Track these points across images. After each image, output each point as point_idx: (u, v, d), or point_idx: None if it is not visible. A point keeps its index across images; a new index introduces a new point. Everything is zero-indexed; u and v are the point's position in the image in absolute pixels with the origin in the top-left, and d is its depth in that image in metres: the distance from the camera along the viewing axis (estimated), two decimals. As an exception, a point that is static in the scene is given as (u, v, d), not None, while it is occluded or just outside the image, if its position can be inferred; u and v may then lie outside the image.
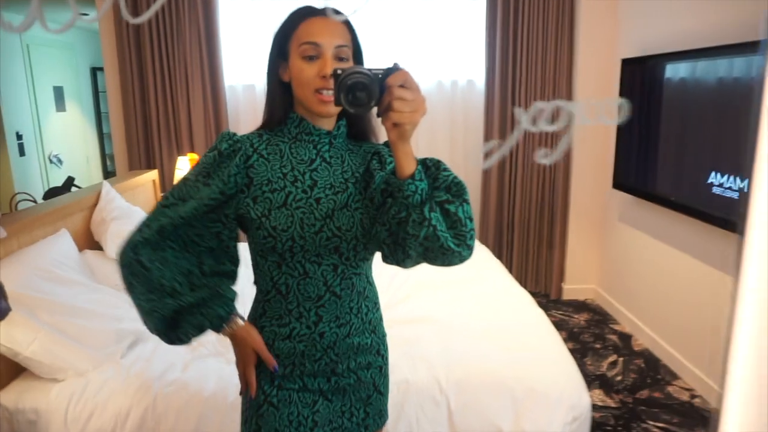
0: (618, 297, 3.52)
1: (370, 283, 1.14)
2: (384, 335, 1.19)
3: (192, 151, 3.62)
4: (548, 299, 3.86)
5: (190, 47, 3.50)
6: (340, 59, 1.01)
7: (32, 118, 5.17)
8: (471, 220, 0.93)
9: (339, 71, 0.89)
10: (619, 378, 2.80)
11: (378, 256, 1.06)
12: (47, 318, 1.88)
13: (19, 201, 4.18)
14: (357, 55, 1.06)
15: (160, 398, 1.77)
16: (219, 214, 1.04)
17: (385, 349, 1.19)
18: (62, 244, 2.21)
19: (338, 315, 1.07)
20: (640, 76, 3.03)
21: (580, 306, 3.74)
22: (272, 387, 1.09)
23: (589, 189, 3.70)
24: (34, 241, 2.15)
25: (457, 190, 0.93)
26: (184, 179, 1.06)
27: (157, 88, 3.54)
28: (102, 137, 6.57)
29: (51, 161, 5.43)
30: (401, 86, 0.85)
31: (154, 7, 0.70)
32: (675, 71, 2.73)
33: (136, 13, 3.35)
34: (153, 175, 3.46)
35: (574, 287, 3.85)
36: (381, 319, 1.18)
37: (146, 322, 1.07)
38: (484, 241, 3.76)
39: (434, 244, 0.91)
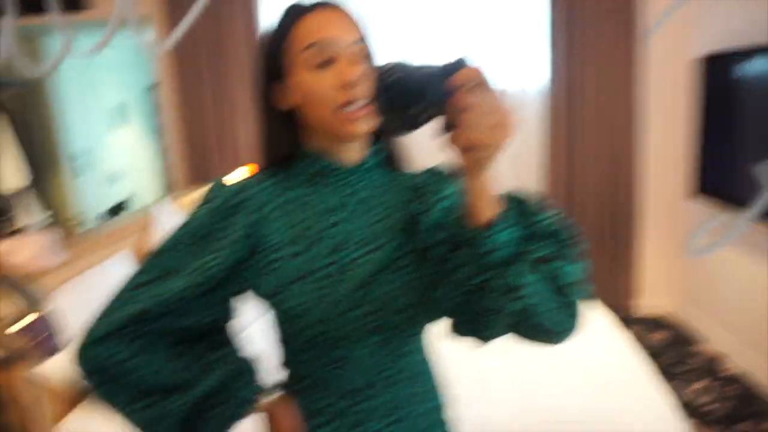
0: (703, 314, 3.21)
1: (429, 355, 0.87)
2: (449, 423, 0.91)
3: (251, 162, 3.59)
4: (624, 315, 3.58)
5: (241, 56, 3.47)
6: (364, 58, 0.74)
7: (89, 135, 5.27)
8: (581, 285, 0.65)
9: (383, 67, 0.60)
10: (711, 407, 2.51)
11: None
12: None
13: (76, 224, 4.26)
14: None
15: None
16: (217, 296, 0.77)
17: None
18: (124, 266, 2.17)
19: (394, 407, 0.80)
20: (721, 74, 2.75)
21: (656, 324, 3.44)
22: None
23: (668, 195, 3.41)
24: (94, 265, 2.12)
25: (562, 240, 0.64)
26: (166, 246, 0.76)
27: (215, 99, 3.52)
28: (162, 153, 6.68)
29: (111, 179, 5.54)
30: (474, 88, 0.57)
31: (181, 29, 0.58)
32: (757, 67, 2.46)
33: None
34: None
35: (651, 303, 3.55)
36: (446, 402, 0.91)
37: None
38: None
39: (529, 321, 0.63)
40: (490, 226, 0.62)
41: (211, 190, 0.78)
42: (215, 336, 0.83)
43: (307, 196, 0.78)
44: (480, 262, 0.63)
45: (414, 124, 0.59)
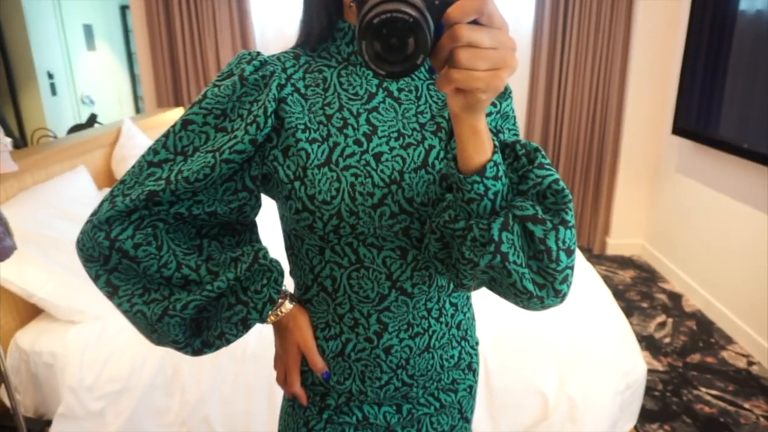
0: (669, 254, 3.26)
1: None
2: (477, 342, 0.85)
3: (219, 89, 3.45)
4: (591, 254, 3.62)
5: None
6: None
7: (63, 57, 5.06)
8: (569, 253, 0.59)
9: None
10: (667, 340, 2.59)
11: None
12: (62, 258, 1.78)
13: (40, 138, 4.12)
14: None
15: (178, 345, 1.66)
16: (240, 178, 0.68)
17: (477, 362, 0.86)
18: (80, 181, 2.09)
19: (411, 321, 0.73)
20: (712, 6, 2.65)
21: (626, 262, 3.50)
22: (319, 420, 0.79)
23: (643, 135, 3.37)
24: (51, 178, 2.04)
25: (555, 202, 0.58)
26: (184, 121, 0.67)
27: (184, 26, 3.35)
28: (134, 78, 6.46)
29: (83, 102, 5.35)
30: (474, 23, 0.47)
31: None
32: (751, 1, 2.36)
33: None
34: (177, 112, 3.31)
35: (620, 242, 3.59)
36: (473, 320, 0.84)
37: (151, 336, 0.70)
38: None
39: (503, 279, 0.59)
40: (479, 172, 0.57)
41: (239, 57, 0.68)
42: (238, 233, 0.74)
43: (339, 79, 0.70)
44: (464, 207, 0.59)
45: (407, 67, 0.48)
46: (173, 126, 0.67)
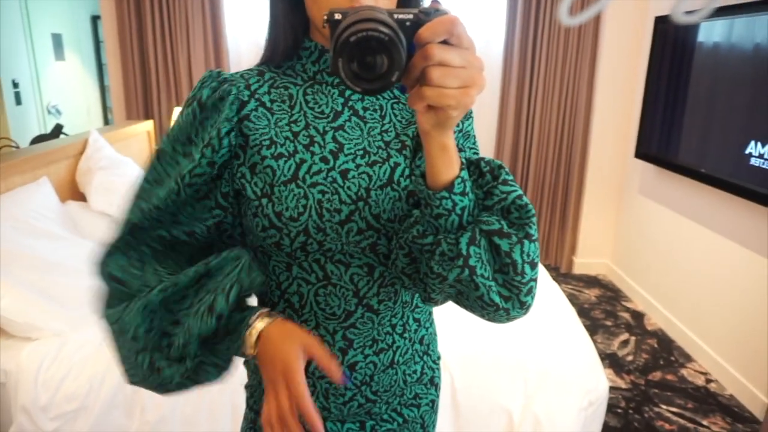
0: (632, 273, 3.34)
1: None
2: (438, 357, 0.86)
3: (190, 103, 3.41)
4: (558, 273, 3.68)
5: (189, -9, 3.25)
6: None
7: (30, 66, 4.94)
8: (534, 266, 0.60)
9: (337, 15, 0.51)
10: (630, 358, 2.64)
11: None
12: (21, 274, 1.71)
13: (1, 147, 3.99)
14: None
15: (140, 363, 1.61)
16: (213, 197, 0.69)
17: (439, 377, 0.87)
18: (42, 193, 2.03)
19: (376, 337, 0.74)
20: (672, 37, 2.77)
21: (592, 281, 3.57)
22: None
23: (608, 157, 3.48)
24: (11, 189, 1.98)
25: (519, 216, 0.59)
26: (158, 152, 0.70)
27: (156, 37, 3.32)
28: (103, 89, 6.35)
29: (49, 112, 5.22)
30: (444, 43, 0.49)
31: None
32: (708, 33, 2.48)
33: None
34: (147, 125, 3.26)
35: (586, 261, 3.67)
36: (435, 335, 0.85)
37: (140, 371, 0.68)
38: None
39: (470, 292, 0.60)
40: (447, 188, 0.58)
41: (201, 80, 0.70)
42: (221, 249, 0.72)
43: (307, 95, 0.71)
44: (432, 223, 0.60)
45: (382, 84, 0.50)
46: (151, 158, 0.70)
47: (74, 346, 1.67)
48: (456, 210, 0.58)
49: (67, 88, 5.55)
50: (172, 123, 0.70)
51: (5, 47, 4.57)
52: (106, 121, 6.40)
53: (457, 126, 0.72)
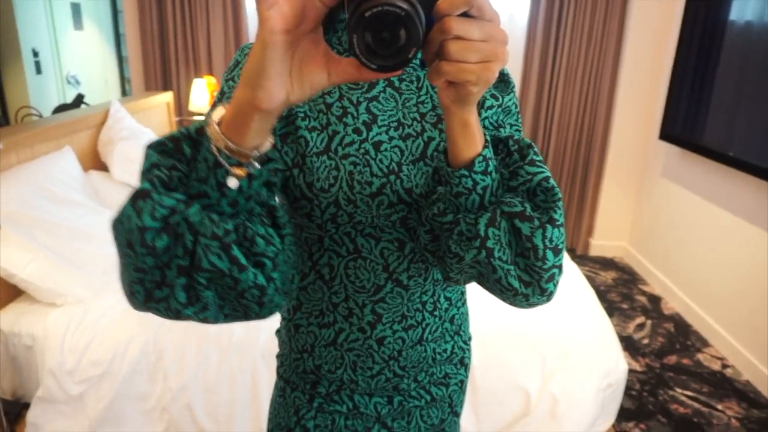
0: (650, 257, 3.30)
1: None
2: (470, 338, 0.86)
3: (210, 73, 3.39)
4: (574, 254, 3.66)
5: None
6: None
7: (49, 35, 4.95)
8: (557, 252, 0.58)
9: None
10: (646, 341, 2.63)
11: None
12: (46, 239, 1.74)
13: (24, 116, 4.02)
14: None
15: (162, 332, 1.64)
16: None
17: (470, 357, 0.86)
18: (66, 162, 2.05)
19: (405, 313, 0.74)
20: (703, 14, 2.68)
21: (608, 264, 3.54)
22: (309, 408, 0.79)
23: (631, 138, 3.41)
24: (36, 158, 1.99)
25: (544, 199, 0.58)
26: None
27: (176, 8, 3.29)
28: (121, 59, 6.34)
29: (69, 81, 5.24)
30: (465, 15, 0.47)
31: None
32: (741, 12, 2.40)
33: None
34: (167, 96, 3.25)
35: (602, 243, 3.63)
36: (467, 316, 0.84)
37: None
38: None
39: (488, 274, 0.59)
40: (468, 166, 0.56)
41: (241, 49, 0.69)
42: None
43: None
44: (452, 201, 0.59)
45: (399, 61, 0.48)
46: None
47: (96, 313, 1.70)
48: (477, 189, 0.57)
49: (85, 58, 5.55)
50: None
51: (25, 16, 4.58)
52: (124, 92, 6.41)
53: (497, 100, 0.70)
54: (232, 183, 0.52)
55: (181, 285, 0.52)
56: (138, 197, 0.50)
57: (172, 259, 0.52)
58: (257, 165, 0.52)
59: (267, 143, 0.53)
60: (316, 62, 0.49)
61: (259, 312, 0.58)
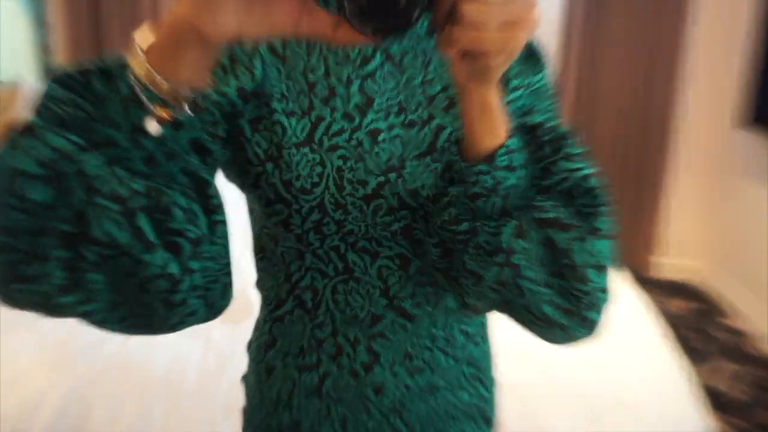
0: (734, 281, 3.33)
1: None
2: (493, 383, 0.85)
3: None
4: (632, 277, 3.67)
5: None
6: None
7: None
8: (601, 270, 0.58)
9: None
10: (728, 392, 2.64)
11: None
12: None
13: None
14: None
15: (91, 377, 1.65)
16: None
17: (494, 411, 0.85)
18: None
19: (410, 351, 0.73)
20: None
21: (676, 289, 3.56)
22: None
23: (702, 127, 3.46)
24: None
25: (585, 204, 0.58)
26: None
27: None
28: (41, 24, 6.40)
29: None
30: None
31: None
32: None
33: None
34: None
35: (668, 262, 3.67)
36: (490, 355, 0.83)
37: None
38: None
39: (515, 299, 0.59)
40: (487, 160, 0.57)
41: None
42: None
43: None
44: (467, 204, 0.59)
45: (399, 23, 0.50)
46: None
47: (3, 355, 1.71)
48: (499, 190, 0.58)
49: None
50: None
51: None
52: (45, 66, 6.45)
53: (524, 79, 0.70)
54: (152, 127, 0.51)
55: (60, 260, 0.50)
56: (20, 133, 0.49)
57: (53, 221, 0.50)
58: (187, 109, 0.52)
59: (203, 84, 0.52)
60: None
61: (167, 318, 0.57)
